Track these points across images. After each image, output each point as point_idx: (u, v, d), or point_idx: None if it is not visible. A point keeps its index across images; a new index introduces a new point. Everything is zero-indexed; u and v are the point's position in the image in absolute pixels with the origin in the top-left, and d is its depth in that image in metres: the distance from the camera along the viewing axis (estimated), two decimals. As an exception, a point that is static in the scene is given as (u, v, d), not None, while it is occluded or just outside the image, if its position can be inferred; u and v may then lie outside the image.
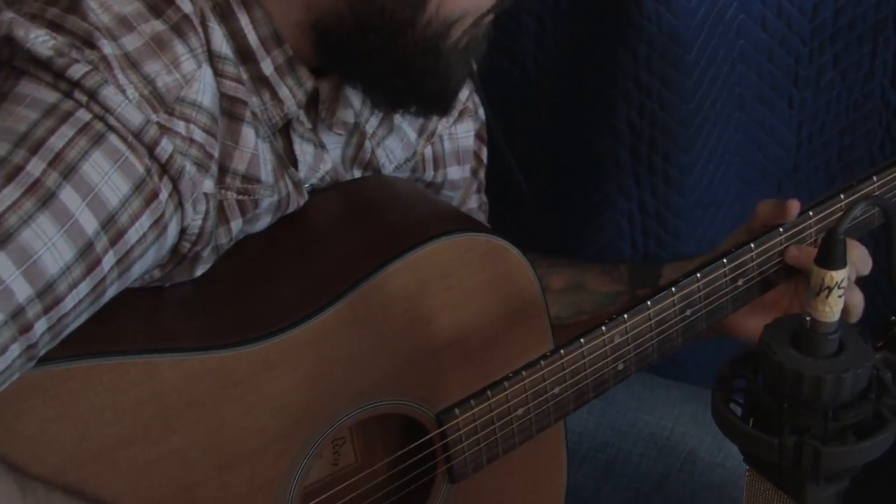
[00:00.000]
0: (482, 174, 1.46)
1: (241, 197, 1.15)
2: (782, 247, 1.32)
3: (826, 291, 0.88)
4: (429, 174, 1.40)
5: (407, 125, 1.34)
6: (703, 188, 1.91)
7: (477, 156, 1.44)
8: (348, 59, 1.17)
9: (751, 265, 1.32)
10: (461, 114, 1.40)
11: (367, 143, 1.29)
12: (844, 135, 1.96)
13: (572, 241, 1.98)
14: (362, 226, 1.25)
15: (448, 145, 1.40)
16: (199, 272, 1.15)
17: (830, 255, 0.88)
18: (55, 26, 1.01)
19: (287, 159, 1.20)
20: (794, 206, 1.31)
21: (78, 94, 0.99)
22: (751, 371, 0.93)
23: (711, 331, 1.36)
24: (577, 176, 1.93)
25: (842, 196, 1.34)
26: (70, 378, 1.01)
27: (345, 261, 1.18)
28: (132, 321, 1.08)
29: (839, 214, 1.29)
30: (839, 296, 0.88)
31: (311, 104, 1.21)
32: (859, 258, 1.29)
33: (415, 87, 1.20)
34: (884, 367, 0.95)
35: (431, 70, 1.17)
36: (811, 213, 1.33)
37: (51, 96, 0.99)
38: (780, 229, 1.32)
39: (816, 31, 1.85)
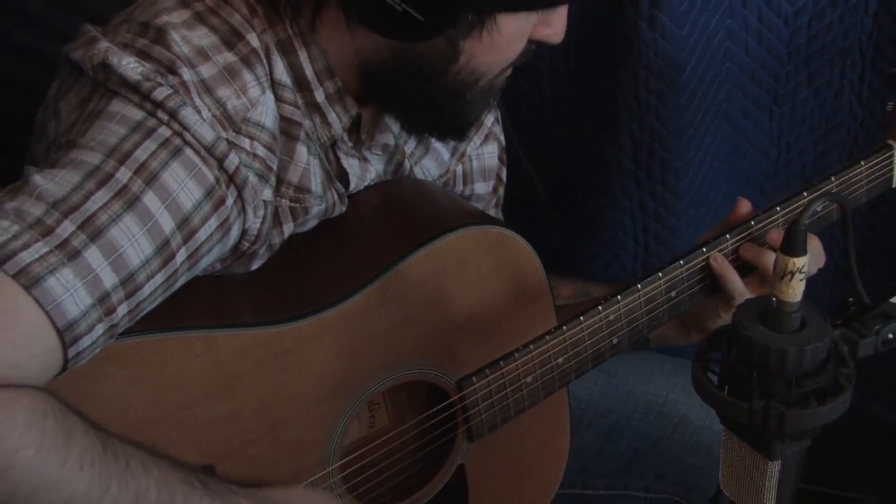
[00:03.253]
0: (501, 191, 1.46)
1: (293, 204, 1.15)
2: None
3: (790, 276, 0.87)
4: (458, 188, 1.40)
5: (441, 147, 1.34)
6: (695, 191, 1.91)
7: (498, 175, 1.44)
8: (387, 94, 1.17)
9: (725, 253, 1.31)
10: (487, 137, 1.40)
11: (407, 162, 1.29)
12: (818, 144, 1.95)
13: (582, 236, 1.98)
14: (392, 219, 1.25)
15: (476, 164, 1.40)
16: (254, 267, 1.15)
17: (793, 244, 0.86)
18: (143, 55, 1.02)
19: (336, 173, 1.20)
20: (745, 205, 1.34)
21: (161, 114, 1.00)
22: (725, 345, 0.91)
23: (686, 335, 1.38)
24: (586, 179, 1.93)
25: (805, 193, 1.33)
26: (143, 349, 1.01)
27: (376, 249, 1.18)
28: (195, 302, 1.08)
29: (801, 209, 1.28)
30: (801, 279, 0.87)
31: (354, 128, 1.20)
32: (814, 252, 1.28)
33: (439, 121, 1.20)
34: (841, 341, 0.93)
35: (455, 109, 1.17)
36: (778, 208, 1.31)
37: (137, 115, 1.00)
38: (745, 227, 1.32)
39: (793, 55, 1.85)
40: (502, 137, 1.43)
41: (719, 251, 1.29)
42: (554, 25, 1.15)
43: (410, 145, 1.29)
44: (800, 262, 0.86)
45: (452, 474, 1.26)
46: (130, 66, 1.01)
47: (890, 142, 1.41)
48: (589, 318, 1.22)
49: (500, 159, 1.43)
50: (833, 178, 1.35)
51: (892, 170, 1.42)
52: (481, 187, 1.41)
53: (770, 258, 1.26)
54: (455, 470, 1.26)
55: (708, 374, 0.91)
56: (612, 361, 1.32)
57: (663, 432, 1.55)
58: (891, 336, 0.98)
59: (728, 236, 1.29)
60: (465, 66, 1.12)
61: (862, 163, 1.38)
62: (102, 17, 1.12)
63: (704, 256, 1.29)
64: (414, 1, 1.03)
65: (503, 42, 1.11)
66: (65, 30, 1.11)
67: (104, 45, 1.02)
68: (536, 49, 1.19)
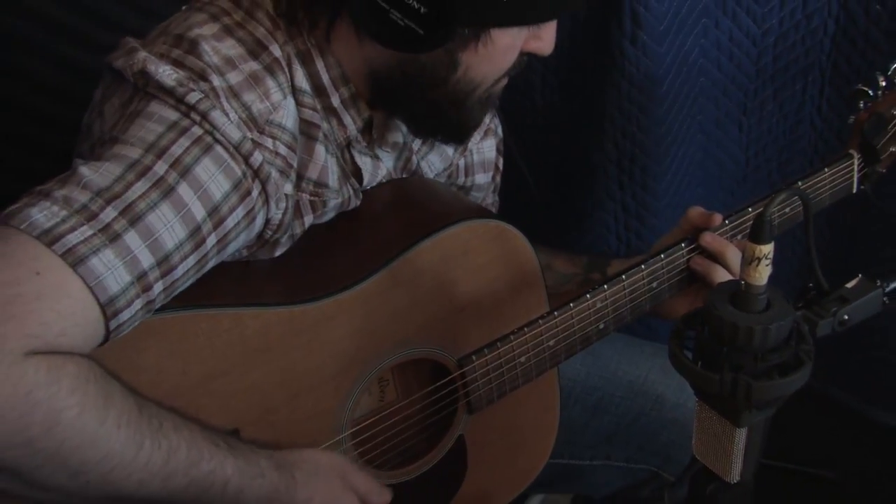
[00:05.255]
0: (498, 179, 1.45)
1: (313, 198, 1.15)
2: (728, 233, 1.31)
3: (756, 261, 0.86)
4: (461, 179, 1.39)
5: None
6: (672, 193, 1.91)
7: (496, 166, 1.43)
8: (394, 100, 1.16)
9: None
10: (486, 133, 1.39)
11: (414, 158, 1.29)
12: (782, 152, 1.96)
13: (571, 233, 1.98)
14: (401, 213, 1.24)
15: (476, 157, 1.39)
16: (277, 253, 1.15)
17: (759, 233, 0.86)
18: (178, 63, 1.03)
19: (351, 170, 1.20)
20: (718, 218, 1.29)
21: (193, 115, 1.00)
22: (699, 324, 0.91)
23: (654, 313, 1.35)
24: (574, 182, 1.93)
25: (773, 195, 1.32)
26: (177, 324, 1.02)
27: (387, 239, 1.18)
28: (225, 283, 1.08)
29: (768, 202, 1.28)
30: (766, 265, 0.87)
31: (367, 128, 1.20)
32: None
33: (442, 126, 1.19)
34: (802, 321, 0.94)
35: (457, 116, 1.17)
36: (750, 209, 1.32)
37: (173, 115, 1.00)
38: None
39: (760, 72, 1.85)
40: (499, 130, 1.42)
41: (695, 246, 1.29)
42: (544, 39, 1.14)
43: (417, 142, 1.29)
44: (765, 249, 0.86)
45: (453, 443, 1.26)
46: (166, 73, 1.01)
47: (851, 151, 1.41)
48: (578, 304, 1.23)
49: (497, 150, 1.42)
50: (800, 183, 1.35)
51: (852, 177, 1.41)
52: (481, 178, 1.41)
53: (716, 271, 1.27)
54: (456, 439, 1.26)
55: (683, 351, 0.91)
56: (598, 344, 1.32)
57: (643, 409, 1.54)
58: (846, 317, 0.99)
59: (714, 228, 1.29)
60: (463, 76, 1.12)
61: (826, 170, 1.38)
62: (141, 32, 1.12)
63: (682, 251, 1.29)
64: (414, 17, 1.03)
65: (497, 54, 1.11)
66: (104, 44, 1.11)
67: (143, 55, 1.03)
68: (529, 63, 1.19)
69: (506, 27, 1.09)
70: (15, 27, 1.47)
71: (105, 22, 1.52)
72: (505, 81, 1.18)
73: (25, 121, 1.53)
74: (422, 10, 1.02)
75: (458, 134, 1.22)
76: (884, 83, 1.40)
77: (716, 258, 1.28)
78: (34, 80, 1.52)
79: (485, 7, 1.05)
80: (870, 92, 1.40)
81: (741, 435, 0.90)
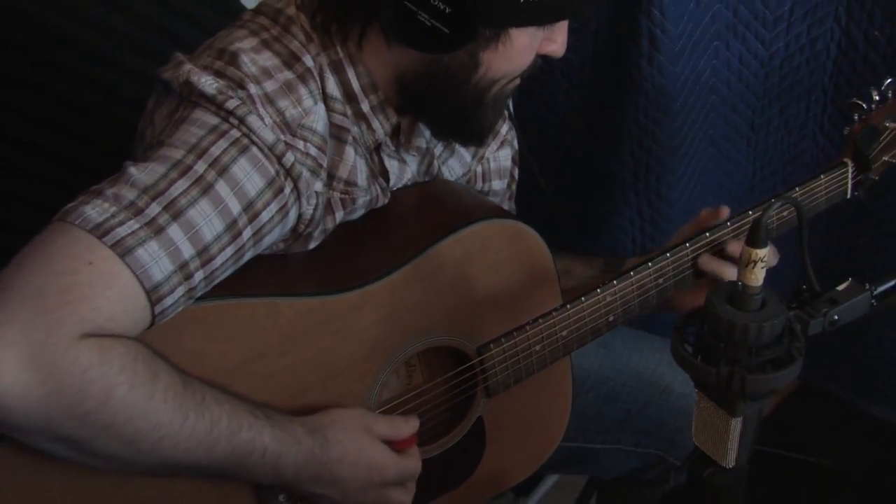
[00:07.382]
0: (513, 187, 1.43)
1: (343, 196, 1.14)
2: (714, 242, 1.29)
3: (753, 264, 0.84)
4: (479, 185, 1.38)
5: (464, 150, 1.32)
6: (684, 201, 1.89)
7: (511, 174, 1.41)
8: (420, 102, 1.15)
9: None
10: (502, 143, 1.37)
11: (436, 162, 1.27)
12: (787, 165, 1.94)
13: (590, 237, 1.97)
14: (426, 212, 1.22)
15: (493, 165, 1.37)
16: (311, 246, 1.14)
17: (756, 238, 0.84)
18: (219, 74, 1.02)
19: (378, 171, 1.19)
20: (725, 211, 1.28)
21: (232, 119, 0.99)
22: (699, 321, 0.89)
23: (665, 307, 1.32)
24: (594, 190, 1.92)
25: (773, 200, 1.29)
26: (218, 312, 1.01)
27: (412, 236, 1.16)
28: (262, 275, 1.07)
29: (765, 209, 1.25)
30: (762, 267, 0.84)
31: (395, 133, 1.19)
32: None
33: (463, 125, 1.17)
34: (795, 320, 0.91)
35: (476, 114, 1.15)
36: (751, 213, 1.29)
37: (213, 120, 0.99)
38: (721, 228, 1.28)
39: (767, 91, 1.84)
40: (515, 143, 1.40)
41: (698, 246, 1.26)
42: (557, 41, 1.13)
43: (439, 148, 1.27)
44: (761, 252, 0.84)
45: (473, 424, 1.24)
46: (208, 83, 1.01)
47: (845, 160, 1.39)
48: (589, 298, 1.20)
49: (513, 160, 1.40)
50: (797, 189, 1.32)
51: (846, 183, 1.39)
52: (497, 184, 1.39)
53: (728, 269, 1.25)
54: (475, 421, 1.24)
55: (684, 345, 0.89)
56: (610, 338, 1.30)
57: (651, 398, 1.51)
58: (836, 318, 0.96)
59: (707, 234, 1.27)
60: (483, 76, 1.10)
61: (822, 176, 1.35)
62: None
63: (688, 250, 1.26)
64: (440, 17, 1.02)
65: (515, 53, 1.09)
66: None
67: (188, 67, 1.03)
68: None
69: (523, 27, 1.08)
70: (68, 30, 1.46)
71: (168, 35, 1.52)
72: (517, 82, 1.16)
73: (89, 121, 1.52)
74: (447, 10, 1.01)
75: (477, 135, 1.20)
76: (877, 97, 1.38)
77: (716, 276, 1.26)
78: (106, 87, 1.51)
79: (504, 8, 1.04)
80: (863, 105, 1.38)
81: (736, 424, 0.88)
